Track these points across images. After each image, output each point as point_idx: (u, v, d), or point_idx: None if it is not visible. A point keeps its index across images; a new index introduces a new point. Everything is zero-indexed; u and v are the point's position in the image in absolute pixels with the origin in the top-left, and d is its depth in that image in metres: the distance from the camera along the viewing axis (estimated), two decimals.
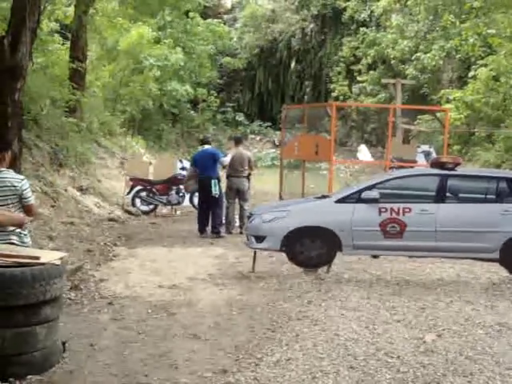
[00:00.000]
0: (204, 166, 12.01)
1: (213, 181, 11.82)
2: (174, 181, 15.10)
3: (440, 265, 9.32)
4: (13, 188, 5.11)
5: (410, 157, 15.64)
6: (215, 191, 11.82)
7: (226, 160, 12.25)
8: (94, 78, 22.82)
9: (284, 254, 8.75)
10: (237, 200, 12.52)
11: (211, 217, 12.03)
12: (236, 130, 35.52)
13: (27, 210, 5.26)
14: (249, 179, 12.74)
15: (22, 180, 5.21)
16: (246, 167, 12.53)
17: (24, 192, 5.16)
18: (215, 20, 33.24)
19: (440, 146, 19.09)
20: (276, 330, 5.96)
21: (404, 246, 8.40)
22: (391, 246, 8.42)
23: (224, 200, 12.36)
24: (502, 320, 6.37)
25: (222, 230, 12.13)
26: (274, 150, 32.22)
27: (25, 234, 5.22)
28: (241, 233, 11.88)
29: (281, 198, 15.57)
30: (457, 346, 5.52)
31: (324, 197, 9.30)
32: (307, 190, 15.26)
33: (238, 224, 12.53)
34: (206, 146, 12.48)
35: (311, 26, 37.15)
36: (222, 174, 12.75)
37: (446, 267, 9.23)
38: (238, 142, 13.05)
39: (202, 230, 12.03)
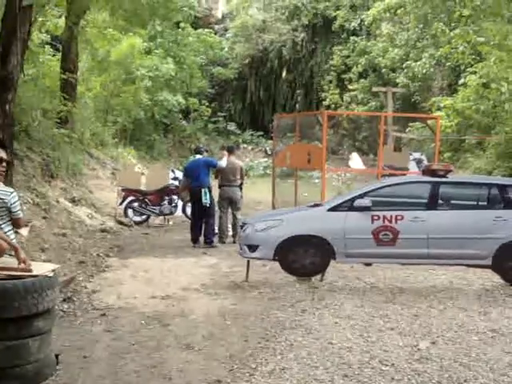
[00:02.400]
0: (195, 176, 12.03)
1: (203, 190, 11.82)
2: (166, 191, 15.08)
3: (433, 272, 9.34)
4: (0, 201, 5.04)
5: (402, 164, 15.68)
6: (205, 200, 11.81)
7: (222, 164, 12.25)
8: (86, 88, 22.81)
9: (277, 263, 8.74)
10: (229, 209, 12.51)
11: (204, 226, 12.00)
12: (228, 140, 35.51)
13: (15, 223, 5.21)
14: (241, 188, 12.77)
15: (11, 193, 5.13)
16: (238, 177, 12.59)
17: (12, 206, 5.08)
18: (206, 30, 33.34)
19: (431, 153, 19.16)
20: (270, 339, 5.95)
21: (397, 254, 8.41)
22: (384, 254, 8.43)
23: (216, 209, 12.34)
24: (496, 326, 6.38)
25: (215, 239, 12.10)
26: (266, 159, 32.24)
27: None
28: (234, 242, 11.86)
29: (273, 206, 15.58)
30: (451, 353, 5.53)
31: (316, 205, 9.31)
32: (300, 198, 15.26)
33: (231, 233, 12.52)
34: (198, 156, 12.50)
35: (302, 35, 37.30)
36: (214, 183, 12.74)
37: (439, 274, 9.25)
38: (230, 151, 12.98)
39: (195, 239, 12.01)
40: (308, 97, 37.44)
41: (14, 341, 4.34)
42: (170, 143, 32.23)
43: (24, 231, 5.88)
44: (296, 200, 15.08)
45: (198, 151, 12.79)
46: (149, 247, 11.90)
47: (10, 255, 5.04)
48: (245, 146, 35.65)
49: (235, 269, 9.46)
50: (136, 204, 15.00)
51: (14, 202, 5.12)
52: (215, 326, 6.42)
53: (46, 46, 19.48)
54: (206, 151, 13.23)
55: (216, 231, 12.33)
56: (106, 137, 22.15)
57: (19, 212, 5.19)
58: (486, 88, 21.72)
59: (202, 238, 12.04)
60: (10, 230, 5.12)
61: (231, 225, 12.59)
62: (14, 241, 5.13)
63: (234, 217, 12.47)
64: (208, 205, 11.88)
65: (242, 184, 12.83)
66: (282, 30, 37.50)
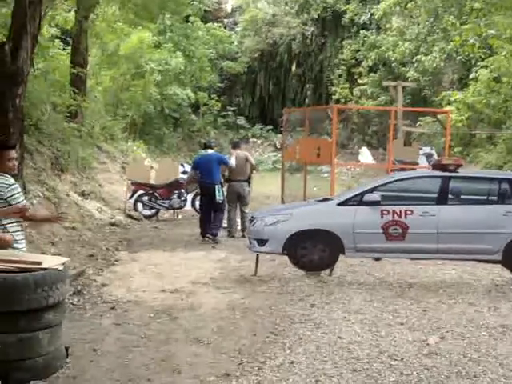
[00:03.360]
0: (207, 171, 11.85)
1: (217, 186, 11.74)
2: (175, 185, 15.09)
3: (442, 267, 9.31)
4: None
5: (412, 159, 15.63)
6: (219, 197, 11.76)
7: (233, 163, 12.20)
8: (95, 82, 22.87)
9: (286, 258, 8.74)
10: (238, 204, 12.52)
11: (213, 219, 11.93)
12: (237, 134, 35.52)
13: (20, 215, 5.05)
14: (249, 182, 12.76)
15: (10, 185, 4.97)
16: (248, 171, 12.59)
17: (10, 198, 4.93)
18: (215, 24, 33.28)
19: (441, 147, 19.06)
20: (279, 333, 5.96)
21: (406, 248, 8.39)
22: (393, 249, 8.41)
23: (225, 204, 12.34)
24: (505, 322, 6.36)
25: (220, 233, 12.04)
26: (275, 154, 32.21)
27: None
28: (243, 236, 11.87)
29: (283, 201, 15.57)
30: (460, 348, 5.51)
31: (326, 200, 9.31)
32: (309, 192, 15.25)
33: (240, 227, 12.53)
34: (210, 151, 12.29)
35: (311, 29, 37.18)
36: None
37: (449, 269, 9.22)
38: (235, 146, 12.99)
39: (205, 234, 11.95)
40: (317, 91, 37.32)
41: (24, 333, 4.36)
42: (180, 137, 32.23)
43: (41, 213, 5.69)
44: (305, 194, 15.07)
45: (208, 145, 12.57)
46: (158, 241, 11.93)
47: (17, 242, 5.03)
48: (254, 140, 35.62)
49: (244, 263, 9.47)
50: (145, 198, 15.04)
51: (13, 195, 4.96)
52: (224, 320, 6.44)
53: (56, 40, 19.49)
54: (215, 146, 13.17)
55: (225, 225, 12.34)
56: (116, 131, 22.17)
57: (22, 202, 5.02)
58: (496, 82, 21.61)
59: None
60: (10, 223, 5.06)
61: (240, 219, 12.60)
62: (19, 233, 5.09)
63: (242, 211, 12.47)
64: (221, 201, 11.84)
65: (250, 178, 12.80)
66: (291, 23, 37.37)
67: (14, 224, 5.05)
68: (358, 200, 8.55)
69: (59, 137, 14.92)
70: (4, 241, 4.86)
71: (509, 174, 11.03)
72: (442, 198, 8.51)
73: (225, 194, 12.22)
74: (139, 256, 10.12)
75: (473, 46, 19.69)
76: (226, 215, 12.37)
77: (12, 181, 5.07)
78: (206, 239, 11.86)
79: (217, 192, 11.70)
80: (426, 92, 28.85)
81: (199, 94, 31.04)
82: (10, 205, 4.97)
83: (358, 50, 33.76)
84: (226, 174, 12.40)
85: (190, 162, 16.19)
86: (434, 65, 26.62)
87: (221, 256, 10.28)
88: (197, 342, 5.71)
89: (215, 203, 11.76)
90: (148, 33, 24.57)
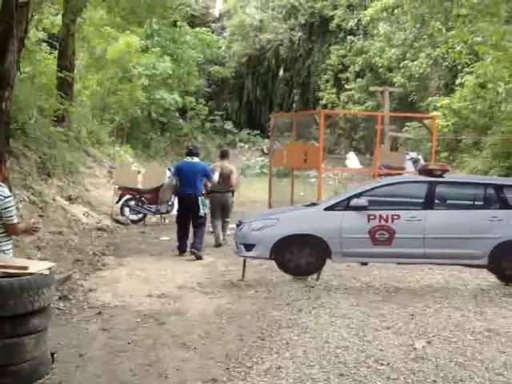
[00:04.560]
0: (190, 182, 10.56)
1: (200, 198, 10.56)
2: None
3: (429, 271, 9.35)
4: None
5: (399, 164, 15.70)
6: (203, 210, 10.57)
7: (216, 179, 11.28)
8: (82, 86, 22.80)
9: (273, 262, 8.74)
10: (220, 215, 12.02)
11: (194, 237, 10.60)
12: (224, 139, 35.60)
13: (9, 229, 5.02)
14: (233, 193, 12.46)
15: (6, 198, 4.95)
16: (231, 182, 11.94)
17: (4, 211, 4.91)
18: (203, 29, 33.34)
19: (428, 152, 19.19)
20: (266, 338, 5.95)
21: (393, 253, 8.42)
22: (380, 253, 8.44)
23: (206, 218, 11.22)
24: (491, 326, 6.40)
25: (202, 250, 10.66)
26: (262, 158, 32.30)
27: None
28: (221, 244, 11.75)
29: (270, 205, 15.59)
30: (447, 353, 5.54)
31: (313, 204, 9.32)
32: (296, 197, 15.27)
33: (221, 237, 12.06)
34: (195, 159, 10.94)
35: (299, 34, 37.34)
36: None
37: (435, 274, 9.27)
38: (223, 155, 12.41)
39: (182, 249, 10.75)
40: (305, 96, 37.48)
41: (9, 339, 4.34)
42: (167, 142, 32.24)
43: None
44: (292, 199, 15.10)
45: (194, 152, 11.10)
46: (145, 246, 11.87)
47: (4, 252, 5.01)
48: (241, 144, 35.70)
49: (231, 268, 9.46)
50: (132, 202, 14.98)
51: (7, 208, 4.95)
52: (211, 325, 6.42)
53: (43, 44, 19.45)
54: (198, 154, 11.46)
55: (210, 229, 12.00)
56: (103, 135, 22.12)
57: (12, 218, 5.00)
58: (482, 88, 21.77)
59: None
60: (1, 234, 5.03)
61: (221, 229, 12.07)
62: (9, 246, 5.07)
63: (224, 222, 12.07)
64: (203, 215, 10.68)
65: (233, 191, 12.44)
66: (279, 29, 37.52)
67: (4, 234, 5.03)
68: (344, 205, 8.56)
69: (46, 141, 14.85)
70: (30, 227, 5.11)
71: (494, 180, 11.12)
72: (429, 203, 8.55)
73: (207, 206, 11.29)
74: (126, 261, 10.08)
75: (459, 53, 19.85)
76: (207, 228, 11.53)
77: (7, 192, 5.05)
78: (184, 256, 10.66)
79: (200, 205, 10.52)
80: (413, 97, 29.03)
81: (187, 99, 31.07)
82: (2, 216, 4.94)
83: (345, 56, 33.96)
84: (209, 185, 11.30)
85: None
86: (421, 70, 26.82)
87: (208, 261, 10.26)
88: (184, 347, 5.69)
89: (196, 217, 10.56)
90: (135, 37, 24.57)
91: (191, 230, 10.81)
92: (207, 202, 11.27)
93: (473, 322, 6.55)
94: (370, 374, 5.00)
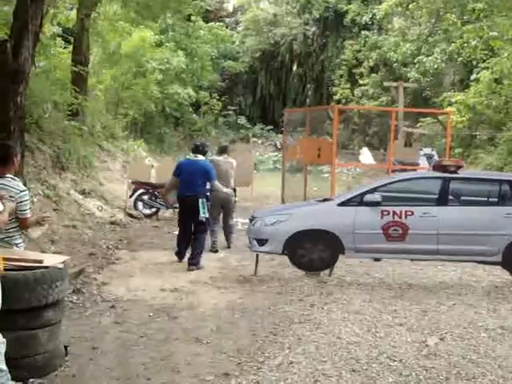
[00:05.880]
0: (191, 182, 9.37)
1: (201, 200, 9.26)
2: None
3: (442, 268, 9.31)
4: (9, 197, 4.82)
5: (412, 160, 15.63)
6: (203, 214, 9.26)
7: (218, 184, 9.84)
8: (96, 81, 22.84)
9: (286, 258, 8.74)
10: (221, 216, 10.96)
11: (193, 243, 9.45)
12: (238, 134, 35.61)
13: (21, 222, 5.00)
14: (235, 190, 11.48)
15: (22, 192, 4.94)
16: (231, 178, 10.97)
17: (19, 204, 4.89)
18: (217, 23, 33.31)
19: (442, 148, 19.08)
20: (278, 333, 5.96)
21: (406, 249, 8.38)
22: (393, 249, 8.40)
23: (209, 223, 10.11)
24: (505, 323, 6.36)
25: (202, 260, 9.44)
26: (276, 154, 32.25)
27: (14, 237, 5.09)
28: (228, 247, 10.98)
29: (283, 201, 15.57)
30: (459, 350, 5.51)
31: (326, 200, 9.31)
32: (310, 193, 15.24)
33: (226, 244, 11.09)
34: (200, 157, 9.66)
35: (313, 29, 37.21)
36: None
37: (449, 270, 9.22)
38: (222, 151, 11.31)
39: (181, 255, 9.65)
40: (318, 91, 37.40)
41: (23, 331, 4.37)
42: (181, 136, 32.28)
43: (36, 232, 5.74)
44: (305, 194, 15.07)
45: (201, 150, 9.76)
46: (158, 240, 11.91)
47: (17, 246, 5.04)
48: (255, 139, 35.68)
49: (244, 262, 9.47)
50: (146, 197, 15.02)
51: (23, 201, 4.94)
52: (223, 320, 6.44)
53: (58, 39, 19.49)
54: (206, 151, 10.20)
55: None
56: (117, 129, 22.16)
57: (26, 212, 5.00)
58: (498, 84, 21.61)
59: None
60: (13, 228, 5.03)
61: (224, 234, 11.06)
62: (21, 240, 5.09)
63: (226, 224, 11.00)
64: (204, 219, 9.38)
65: (234, 189, 11.37)
66: (292, 23, 37.43)
67: (17, 228, 5.05)
68: (358, 200, 8.54)
69: (60, 135, 14.91)
70: (41, 217, 5.13)
71: (509, 176, 11.03)
72: (443, 199, 8.51)
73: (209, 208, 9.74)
74: (139, 255, 10.12)
75: (474, 48, 19.71)
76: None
77: (22, 186, 5.06)
78: (183, 261, 9.58)
79: (201, 207, 9.25)
80: (427, 93, 28.88)
81: (200, 94, 31.08)
82: (17, 209, 4.94)
83: (360, 51, 33.82)
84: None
85: None
86: (436, 66, 26.65)
87: (220, 256, 10.28)
88: (196, 342, 5.71)
89: (197, 221, 9.35)
90: (150, 32, 24.59)
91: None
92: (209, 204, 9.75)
93: (486, 319, 6.51)
94: (382, 370, 5.00)
